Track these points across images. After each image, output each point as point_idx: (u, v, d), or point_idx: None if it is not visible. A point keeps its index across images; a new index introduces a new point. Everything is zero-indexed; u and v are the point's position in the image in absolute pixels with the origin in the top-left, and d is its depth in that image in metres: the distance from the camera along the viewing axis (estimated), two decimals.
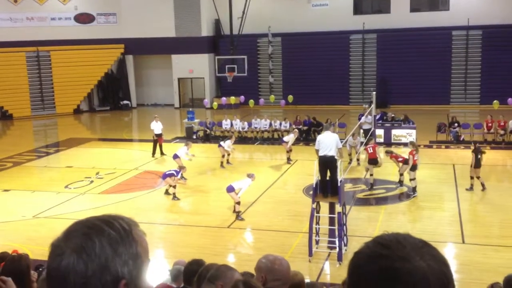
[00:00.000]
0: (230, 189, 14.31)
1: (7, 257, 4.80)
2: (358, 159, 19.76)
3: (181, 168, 16.69)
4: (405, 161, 16.41)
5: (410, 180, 16.02)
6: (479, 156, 16.08)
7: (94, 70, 35.89)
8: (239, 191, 14.26)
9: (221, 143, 20.06)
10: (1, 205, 16.22)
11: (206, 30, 35.78)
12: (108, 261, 1.35)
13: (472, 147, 16.83)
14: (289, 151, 20.45)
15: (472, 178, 16.26)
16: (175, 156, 18.31)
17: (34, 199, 16.60)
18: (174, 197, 16.19)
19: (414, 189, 15.93)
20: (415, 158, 15.94)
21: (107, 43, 35.81)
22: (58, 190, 17.48)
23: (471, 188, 16.23)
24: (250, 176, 14.58)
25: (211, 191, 17.30)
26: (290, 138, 20.55)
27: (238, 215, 14.30)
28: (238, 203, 14.31)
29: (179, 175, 16.34)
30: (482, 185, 16.18)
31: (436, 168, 19.14)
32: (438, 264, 1.28)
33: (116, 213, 1.47)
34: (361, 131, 22.22)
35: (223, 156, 20.05)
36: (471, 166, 16.27)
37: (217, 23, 35.55)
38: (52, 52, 34.77)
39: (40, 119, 33.85)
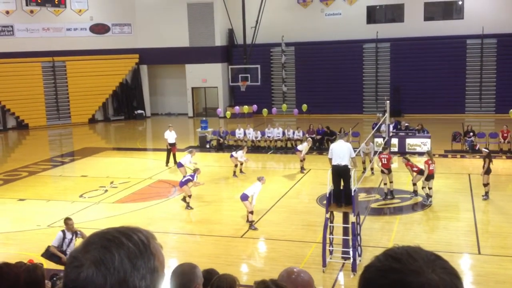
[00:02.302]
0: (244, 198, 14.31)
1: (22, 266, 4.84)
2: (372, 168, 19.64)
3: (196, 170, 16.71)
4: (420, 171, 16.28)
5: (423, 188, 15.92)
6: (486, 159, 16.04)
7: (109, 80, 36.23)
8: (252, 198, 14.27)
9: (233, 153, 20.12)
10: (16, 214, 16.35)
11: (219, 40, 35.97)
12: (127, 275, 1.34)
13: (485, 153, 16.56)
14: (302, 160, 20.42)
15: (485, 185, 16.15)
16: (180, 165, 18.48)
17: (49, 208, 16.72)
18: (188, 206, 16.21)
19: (428, 196, 15.82)
20: (430, 168, 15.83)
21: (122, 53, 36.18)
22: (72, 199, 17.60)
23: (486, 196, 16.08)
24: (260, 179, 14.60)
25: (224, 200, 17.31)
26: (304, 147, 20.53)
27: (251, 225, 14.28)
28: (251, 212, 14.30)
29: (196, 178, 16.38)
30: (486, 193, 16.07)
31: (451, 177, 18.97)
32: (450, 277, 1.27)
33: (134, 225, 1.47)
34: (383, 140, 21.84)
35: (235, 165, 20.09)
36: (484, 173, 16.14)
37: (231, 33, 35.75)
38: (68, 62, 35.18)
39: (55, 128, 34.20)
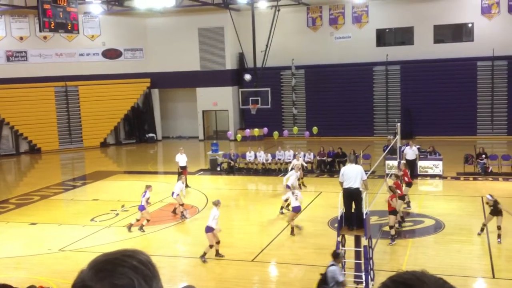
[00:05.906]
0: (208, 230, 13.65)
1: None
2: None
3: (148, 187, 16.70)
4: (402, 197, 15.79)
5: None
6: (498, 205, 14.40)
7: (120, 104, 36.56)
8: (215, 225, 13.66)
9: (288, 184, 18.11)
10: (27, 238, 16.37)
11: (230, 64, 36.27)
12: None
13: (489, 201, 14.65)
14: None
15: (484, 225, 14.80)
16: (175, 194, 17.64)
17: (60, 232, 16.74)
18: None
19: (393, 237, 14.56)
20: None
21: (133, 77, 36.56)
22: (84, 223, 17.62)
23: (499, 239, 14.29)
24: (215, 203, 13.96)
25: (235, 223, 17.23)
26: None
27: (203, 256, 13.58)
28: (211, 246, 13.67)
29: (147, 194, 16.44)
30: (498, 236, 14.26)
31: (464, 200, 18.77)
32: None
33: (132, 248, 1.45)
34: (403, 161, 21.04)
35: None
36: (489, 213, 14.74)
37: (241, 57, 36.03)
38: (80, 86, 35.58)
39: (67, 152, 34.41)
